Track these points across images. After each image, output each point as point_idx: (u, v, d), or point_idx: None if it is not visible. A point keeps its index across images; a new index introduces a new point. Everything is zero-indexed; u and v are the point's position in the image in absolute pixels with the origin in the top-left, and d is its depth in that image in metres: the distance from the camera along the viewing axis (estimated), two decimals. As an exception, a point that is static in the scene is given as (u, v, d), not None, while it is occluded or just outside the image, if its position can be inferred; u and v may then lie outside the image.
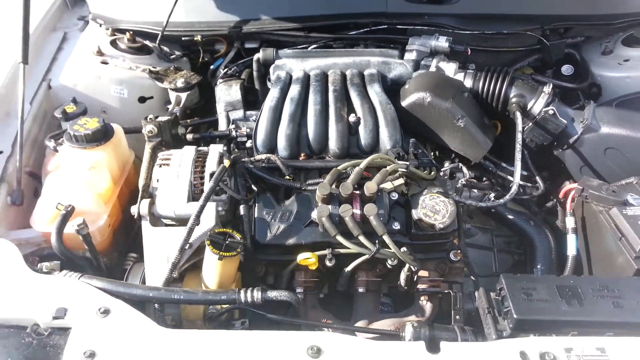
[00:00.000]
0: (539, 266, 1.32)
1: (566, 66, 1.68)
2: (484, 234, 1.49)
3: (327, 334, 1.00)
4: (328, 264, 1.24)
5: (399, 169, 1.24)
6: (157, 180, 1.26)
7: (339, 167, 1.22)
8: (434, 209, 1.18)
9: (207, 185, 1.20)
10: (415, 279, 1.27)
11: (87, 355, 0.95)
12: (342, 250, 1.22)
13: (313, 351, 0.95)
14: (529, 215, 1.41)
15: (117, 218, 1.38)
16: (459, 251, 1.25)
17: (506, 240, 1.49)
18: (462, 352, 0.95)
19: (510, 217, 1.39)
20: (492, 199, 1.39)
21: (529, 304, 1.02)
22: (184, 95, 1.58)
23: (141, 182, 1.28)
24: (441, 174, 1.39)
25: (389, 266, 1.25)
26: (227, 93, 1.54)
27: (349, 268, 1.24)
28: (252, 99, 1.63)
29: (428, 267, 1.26)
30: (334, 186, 1.18)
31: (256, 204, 1.28)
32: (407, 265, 1.22)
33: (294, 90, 1.45)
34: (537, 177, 1.45)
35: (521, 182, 1.45)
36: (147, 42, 1.70)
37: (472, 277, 1.30)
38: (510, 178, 1.44)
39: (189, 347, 0.98)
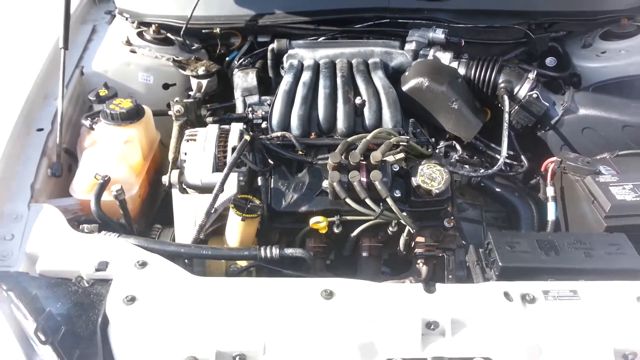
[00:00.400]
0: (522, 231, 1.46)
1: (550, 58, 1.82)
2: (474, 209, 1.63)
3: (338, 279, 1.13)
4: (336, 230, 1.38)
5: (400, 143, 1.39)
6: (185, 154, 1.40)
7: (348, 140, 1.37)
8: (431, 176, 1.32)
9: (230, 157, 1.35)
10: (412, 245, 1.41)
11: (128, 300, 1.09)
12: (349, 218, 1.37)
13: (326, 293, 1.09)
14: (514, 188, 1.56)
15: (145, 190, 1.52)
16: (452, 218, 1.40)
17: (494, 216, 1.63)
18: (454, 291, 1.09)
19: (497, 190, 1.53)
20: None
21: (512, 254, 1.17)
22: (204, 82, 1.72)
23: (171, 155, 1.42)
24: (437, 151, 1.53)
25: (389, 232, 1.39)
26: (244, 80, 1.69)
27: (354, 233, 1.39)
28: (266, 87, 1.77)
29: (424, 234, 1.40)
30: (343, 157, 1.33)
31: (272, 176, 1.42)
32: (406, 231, 1.36)
33: (306, 76, 1.59)
34: (522, 156, 1.60)
35: (508, 160, 1.60)
36: (169, 35, 1.84)
37: (463, 241, 1.44)
38: (498, 156, 1.59)
39: (216, 292, 1.11)
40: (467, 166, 1.55)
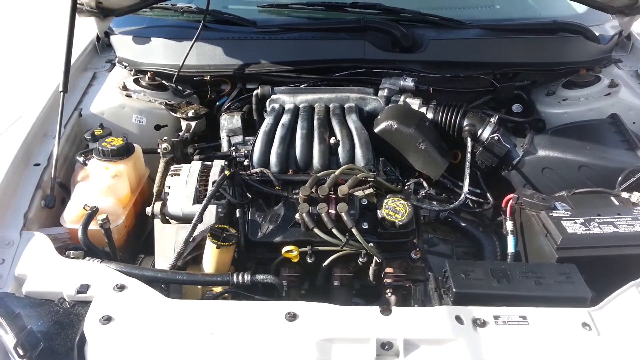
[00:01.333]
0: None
1: (516, 105, 1.91)
2: (445, 245, 1.68)
3: (302, 302, 1.18)
4: (308, 260, 1.43)
5: (368, 179, 1.46)
6: (169, 187, 1.48)
7: (318, 175, 1.44)
8: (395, 209, 1.39)
9: (210, 189, 1.42)
10: (382, 275, 1.46)
11: (105, 319, 1.14)
12: (320, 248, 1.43)
13: (290, 315, 1.14)
14: (478, 224, 1.61)
15: (131, 222, 1.58)
16: (418, 250, 1.45)
17: (464, 250, 1.68)
18: (408, 314, 1.13)
19: (463, 224, 1.59)
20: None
21: (467, 281, 1.22)
22: (193, 124, 1.81)
23: (155, 188, 1.50)
24: (406, 188, 1.60)
25: (360, 263, 1.44)
26: (230, 121, 1.78)
27: (326, 263, 1.44)
28: (251, 129, 1.86)
29: (393, 265, 1.45)
30: (313, 190, 1.40)
31: (250, 209, 1.49)
32: (374, 261, 1.42)
33: (285, 118, 1.69)
34: (488, 194, 1.66)
35: (475, 198, 1.67)
36: (163, 81, 1.95)
37: (429, 273, 1.49)
38: (469, 196, 1.65)
39: (186, 313, 1.16)
40: (434, 203, 1.61)
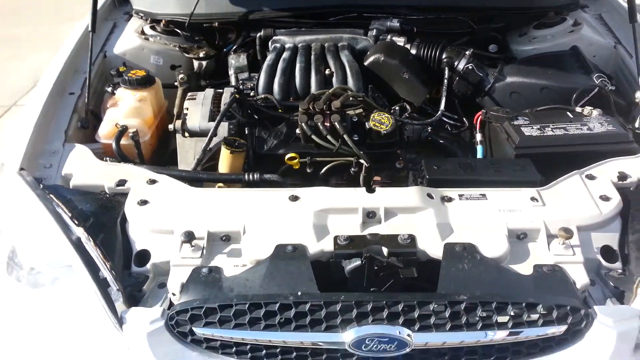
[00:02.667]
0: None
1: (492, 45, 2.19)
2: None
3: (302, 188, 1.47)
4: (308, 170, 1.73)
5: (359, 98, 1.74)
6: (187, 109, 1.77)
7: (314, 92, 1.73)
8: (381, 121, 1.68)
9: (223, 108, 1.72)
10: (371, 183, 1.75)
11: (141, 202, 1.43)
12: (318, 159, 1.72)
13: (292, 197, 1.43)
14: (454, 140, 1.90)
15: (154, 142, 1.87)
16: (401, 159, 1.75)
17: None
18: (389, 191, 1.43)
19: (441, 141, 1.87)
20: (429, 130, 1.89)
21: (438, 170, 1.52)
22: (204, 63, 2.10)
23: (175, 110, 1.79)
24: (391, 111, 1.88)
25: (352, 173, 1.73)
26: (237, 60, 2.07)
27: (322, 171, 1.73)
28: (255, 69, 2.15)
29: (380, 174, 1.75)
30: (310, 105, 1.69)
31: (257, 127, 1.79)
32: (363, 169, 1.70)
33: (286, 54, 1.97)
34: (464, 118, 1.95)
35: (453, 122, 1.96)
36: (176, 29, 2.24)
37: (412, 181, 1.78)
38: (445, 119, 1.94)
39: (208, 196, 1.45)
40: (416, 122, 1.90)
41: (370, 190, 1.43)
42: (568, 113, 1.74)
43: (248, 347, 1.24)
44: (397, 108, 1.89)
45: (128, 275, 1.35)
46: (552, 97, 1.84)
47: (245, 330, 1.21)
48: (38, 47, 5.12)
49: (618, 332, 1.20)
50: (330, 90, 1.71)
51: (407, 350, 1.19)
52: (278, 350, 1.23)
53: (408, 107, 1.91)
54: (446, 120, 1.94)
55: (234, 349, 1.25)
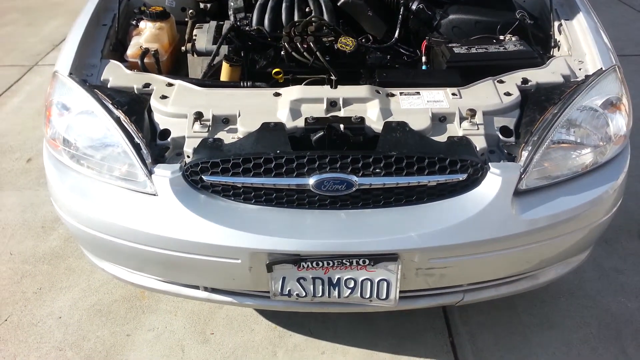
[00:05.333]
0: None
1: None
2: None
3: (283, 88, 1.89)
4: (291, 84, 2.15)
5: (330, 26, 2.16)
6: (195, 35, 2.19)
7: (294, 20, 2.15)
8: (346, 43, 2.09)
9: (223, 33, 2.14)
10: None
11: (162, 97, 1.85)
12: (298, 76, 2.14)
13: (276, 94, 1.85)
14: (409, 66, 2.31)
15: (170, 64, 2.28)
16: (363, 76, 2.17)
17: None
18: (348, 87, 1.85)
19: (397, 66, 2.28)
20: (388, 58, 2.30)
21: (386, 76, 1.95)
22: (209, 5, 2.51)
23: (187, 36, 2.21)
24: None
25: None
26: (235, 3, 2.47)
27: (303, 84, 2.15)
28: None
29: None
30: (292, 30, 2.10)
31: (251, 51, 2.21)
32: (333, 83, 2.12)
33: (274, -3, 2.40)
34: (417, 50, 2.37)
35: (407, 53, 2.37)
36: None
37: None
38: (402, 51, 2.36)
39: (215, 90, 1.88)
40: (378, 52, 2.32)
41: (334, 87, 1.86)
42: (494, 39, 2.16)
43: (241, 189, 1.68)
44: (363, 39, 2.31)
45: (154, 146, 1.78)
46: (484, 29, 2.25)
47: (239, 177, 1.65)
48: (52, 15, 5.51)
49: (503, 179, 1.65)
50: (307, 18, 2.13)
51: (353, 189, 1.63)
52: (262, 192, 1.67)
53: (371, 37, 2.33)
54: (403, 51, 2.36)
55: (232, 191, 1.68)
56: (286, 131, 1.72)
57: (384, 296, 1.68)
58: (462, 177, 1.66)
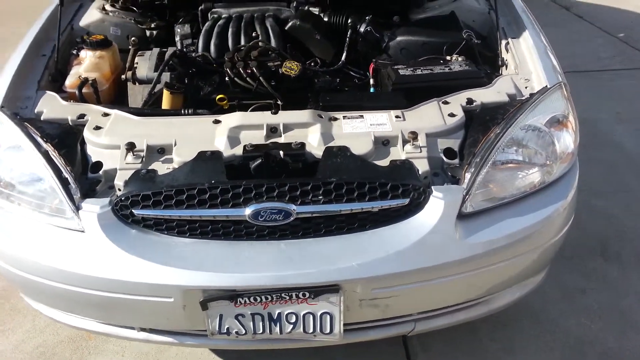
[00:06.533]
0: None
1: (395, 17, 2.55)
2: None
3: (224, 115, 1.81)
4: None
5: (275, 51, 2.10)
6: (137, 62, 2.12)
7: (237, 46, 2.09)
8: (291, 67, 2.03)
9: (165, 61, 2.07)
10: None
11: (96, 128, 1.76)
12: (244, 102, 2.06)
13: (215, 121, 1.76)
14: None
15: (111, 93, 2.19)
16: (311, 101, 2.10)
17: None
18: (289, 113, 1.78)
19: (346, 89, 2.23)
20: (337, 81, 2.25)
21: (329, 100, 1.88)
22: (155, 33, 2.44)
23: (128, 64, 2.13)
24: (305, 64, 2.24)
25: (271, 113, 2.08)
26: (182, 29, 2.41)
27: (248, 111, 2.08)
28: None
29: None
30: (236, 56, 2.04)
31: (195, 78, 2.13)
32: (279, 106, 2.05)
33: (221, 22, 2.33)
34: (367, 73, 2.32)
35: (359, 76, 2.32)
36: (132, 7, 2.57)
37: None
38: (352, 73, 2.31)
39: (147, 120, 1.79)
40: (327, 76, 2.26)
41: (274, 112, 1.79)
42: (440, 60, 2.11)
43: (175, 223, 1.58)
44: (312, 63, 2.26)
45: (85, 180, 1.69)
46: (431, 50, 2.21)
47: (171, 210, 1.56)
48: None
49: (445, 202, 1.58)
50: (250, 44, 2.07)
51: (292, 218, 1.55)
52: (197, 224, 1.58)
53: (319, 61, 2.28)
54: (353, 74, 2.31)
55: (165, 225, 1.59)
56: (223, 160, 1.64)
57: (328, 330, 1.58)
58: (404, 202, 1.58)
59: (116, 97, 2.20)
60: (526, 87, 1.92)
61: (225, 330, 1.58)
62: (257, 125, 1.73)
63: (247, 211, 1.53)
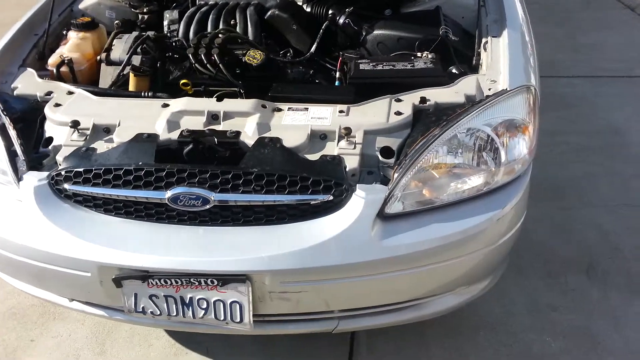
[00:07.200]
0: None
1: (388, 10, 2.48)
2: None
3: (172, 99, 1.84)
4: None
5: (242, 39, 2.10)
6: (114, 44, 2.19)
7: (204, 32, 2.11)
8: (254, 56, 2.02)
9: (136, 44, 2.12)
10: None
11: (55, 105, 1.83)
12: (211, 88, 2.08)
13: (164, 105, 1.79)
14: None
15: (92, 73, 2.27)
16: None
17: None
18: (232, 101, 1.78)
19: (317, 80, 2.19)
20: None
21: (278, 90, 1.86)
22: (146, 17, 2.50)
23: (105, 46, 2.21)
24: (280, 54, 2.22)
25: None
26: (170, 15, 2.45)
27: (213, 97, 2.09)
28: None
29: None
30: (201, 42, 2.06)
31: (167, 62, 2.17)
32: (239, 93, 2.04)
33: (203, 8, 2.35)
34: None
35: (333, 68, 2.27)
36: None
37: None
38: (328, 66, 2.26)
39: (103, 103, 1.85)
40: (301, 67, 2.23)
41: (219, 100, 1.80)
42: (411, 56, 2.03)
43: (102, 201, 1.63)
44: (289, 53, 2.24)
45: (35, 153, 1.77)
46: (407, 45, 2.13)
47: (99, 187, 1.61)
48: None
49: (365, 201, 1.53)
50: (216, 31, 2.08)
51: (209, 206, 1.55)
52: (122, 204, 1.62)
53: (292, 51, 2.25)
54: (329, 66, 2.26)
55: (93, 202, 1.64)
56: (157, 143, 1.66)
57: (238, 319, 1.58)
58: (325, 197, 1.55)
59: (97, 78, 2.29)
60: (490, 89, 1.81)
61: (140, 310, 1.61)
62: (199, 112, 1.74)
63: (167, 195, 1.55)
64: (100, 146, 1.71)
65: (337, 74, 2.09)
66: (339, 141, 1.65)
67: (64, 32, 2.35)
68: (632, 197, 2.84)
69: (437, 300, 1.73)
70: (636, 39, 4.80)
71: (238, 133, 1.67)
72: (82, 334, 2.18)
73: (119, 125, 1.74)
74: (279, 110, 1.76)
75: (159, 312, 1.61)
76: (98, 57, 2.17)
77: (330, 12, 2.28)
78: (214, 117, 1.74)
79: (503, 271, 1.89)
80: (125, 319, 1.75)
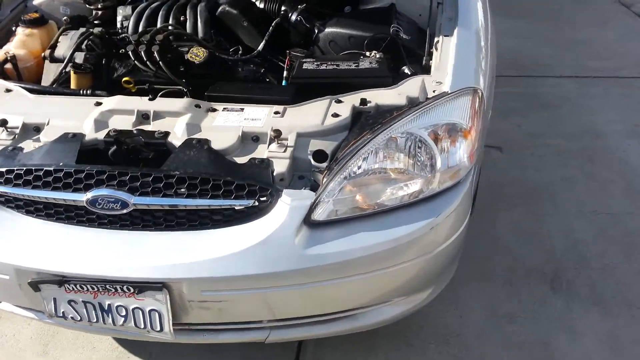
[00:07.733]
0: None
1: (347, 7, 2.41)
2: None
3: (106, 98, 1.78)
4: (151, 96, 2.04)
5: (186, 35, 2.04)
6: (59, 41, 2.13)
7: (145, 29, 2.05)
8: (196, 54, 1.96)
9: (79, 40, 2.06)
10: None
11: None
12: (156, 86, 2.01)
13: (97, 104, 1.74)
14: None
15: (40, 70, 2.21)
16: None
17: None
18: (164, 101, 1.72)
19: (268, 79, 2.12)
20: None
21: (216, 89, 1.80)
22: (100, 13, 2.45)
23: (51, 43, 2.15)
24: (230, 51, 2.16)
25: None
26: (124, 10, 2.39)
27: (159, 95, 2.03)
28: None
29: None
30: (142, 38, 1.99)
31: (113, 59, 2.11)
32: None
33: (154, 4, 2.29)
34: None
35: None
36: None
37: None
38: (281, 64, 2.19)
39: (37, 101, 1.80)
40: (252, 65, 2.16)
41: (152, 99, 1.74)
42: (361, 56, 1.96)
43: (22, 202, 1.57)
44: (239, 51, 2.17)
45: (-34, 152, 1.72)
46: (358, 44, 2.06)
47: (19, 188, 1.55)
48: None
49: (290, 207, 1.46)
50: (157, 28, 2.02)
51: (128, 210, 1.49)
52: (42, 206, 1.56)
53: (242, 49, 2.18)
54: (282, 65, 2.19)
55: (14, 203, 1.58)
56: (83, 143, 1.60)
57: (158, 328, 1.52)
58: (249, 203, 1.48)
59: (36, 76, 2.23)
60: (434, 91, 1.74)
61: (61, 314, 1.56)
62: (129, 111, 1.68)
63: (85, 197, 1.50)
64: (28, 146, 1.66)
65: (285, 73, 2.03)
66: (269, 144, 1.58)
67: (13, 28, 2.30)
68: (605, 203, 2.76)
69: (374, 311, 1.65)
70: (629, 38, 4.69)
71: (167, 134, 1.61)
72: (27, 334, 2.13)
73: (47, 124, 1.68)
74: (214, 110, 1.70)
75: (79, 318, 1.55)
76: (43, 54, 2.11)
77: (282, 8, 2.22)
78: (144, 117, 1.68)
79: (448, 281, 1.81)
80: (54, 322, 1.70)
